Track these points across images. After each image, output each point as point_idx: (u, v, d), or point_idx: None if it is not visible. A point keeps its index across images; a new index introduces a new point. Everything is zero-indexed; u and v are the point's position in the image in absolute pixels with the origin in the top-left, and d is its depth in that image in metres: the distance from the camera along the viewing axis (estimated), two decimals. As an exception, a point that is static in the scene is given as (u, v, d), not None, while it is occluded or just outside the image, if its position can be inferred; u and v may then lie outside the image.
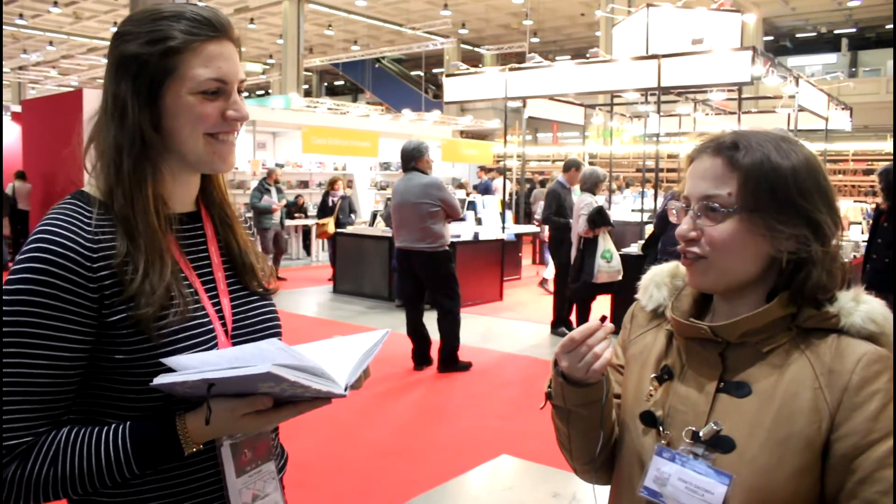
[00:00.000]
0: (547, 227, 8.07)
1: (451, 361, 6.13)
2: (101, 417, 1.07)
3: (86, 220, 1.06)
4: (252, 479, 1.14)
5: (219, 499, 1.13)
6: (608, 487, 1.26)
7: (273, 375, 0.92)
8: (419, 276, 6.04)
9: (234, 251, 1.23)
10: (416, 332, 6.12)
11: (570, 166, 7.84)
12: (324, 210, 11.07)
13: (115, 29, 1.15)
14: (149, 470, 1.04)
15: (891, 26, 25.50)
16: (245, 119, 1.14)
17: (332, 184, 11.38)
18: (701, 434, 1.05)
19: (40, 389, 1.00)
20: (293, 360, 0.95)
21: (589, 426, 1.16)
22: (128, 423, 1.03)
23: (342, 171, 16.05)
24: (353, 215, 10.97)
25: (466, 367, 6.21)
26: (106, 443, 1.01)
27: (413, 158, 6.01)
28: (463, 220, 9.87)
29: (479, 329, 7.97)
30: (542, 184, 16.79)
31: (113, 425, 1.03)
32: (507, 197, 12.82)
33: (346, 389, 1.02)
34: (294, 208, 13.22)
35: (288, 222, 12.34)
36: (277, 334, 1.24)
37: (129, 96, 1.07)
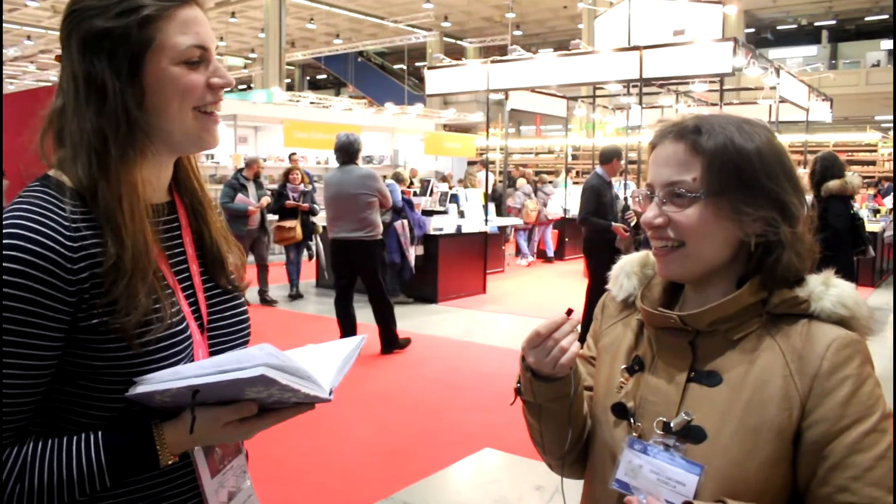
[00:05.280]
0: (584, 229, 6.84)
1: (392, 341, 6.44)
2: (63, 423, 1.00)
3: (62, 213, 0.96)
4: (226, 477, 1.11)
5: (195, 500, 1.09)
6: (581, 482, 1.24)
7: (265, 378, 0.89)
8: (353, 265, 6.29)
9: (206, 243, 1.16)
10: (348, 319, 6.32)
11: (612, 156, 6.81)
12: (283, 209, 8.77)
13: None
14: (121, 482, 0.99)
15: (870, 18, 25.72)
16: (230, 84, 1.07)
17: (286, 175, 9.02)
18: (672, 425, 1.03)
19: (10, 401, 0.93)
20: (282, 362, 0.91)
21: (560, 421, 1.14)
22: (100, 433, 0.97)
23: (325, 164, 16.00)
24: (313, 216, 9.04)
25: (406, 343, 6.56)
26: (78, 454, 0.95)
27: (356, 152, 6.30)
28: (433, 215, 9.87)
29: (462, 322, 7.96)
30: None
31: (83, 436, 0.97)
32: (489, 189, 12.81)
33: (330, 394, 0.99)
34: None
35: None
36: (248, 334, 1.20)
37: (106, 75, 0.98)
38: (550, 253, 13.08)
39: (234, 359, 0.92)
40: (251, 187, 8.41)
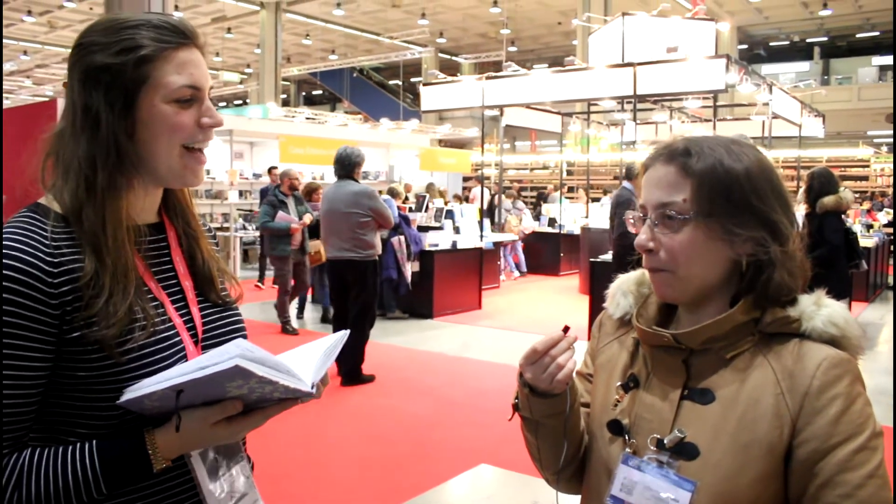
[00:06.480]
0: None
1: (353, 375, 5.97)
2: (63, 436, 1.04)
3: (43, 232, 1.02)
4: (229, 481, 1.13)
5: None
6: (578, 498, 1.25)
7: (241, 370, 0.92)
8: (347, 285, 5.97)
9: (197, 263, 1.21)
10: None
11: (636, 174, 6.71)
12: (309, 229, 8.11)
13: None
14: (117, 489, 1.01)
15: (861, 35, 25.94)
16: (220, 125, 1.13)
17: (310, 193, 8.55)
18: (665, 441, 1.05)
19: (5, 412, 0.97)
20: (258, 356, 0.94)
21: (557, 436, 1.16)
22: (94, 441, 1.01)
23: (320, 180, 16.02)
24: None
25: (370, 379, 6.04)
26: (73, 463, 0.98)
27: (352, 166, 5.93)
28: (446, 230, 9.89)
29: (457, 338, 7.96)
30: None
31: (78, 444, 1.00)
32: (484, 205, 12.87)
33: (313, 387, 1.02)
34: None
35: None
36: None
37: (101, 107, 1.04)
38: (522, 268, 13.14)
39: (212, 355, 0.95)
40: (291, 203, 7.85)
